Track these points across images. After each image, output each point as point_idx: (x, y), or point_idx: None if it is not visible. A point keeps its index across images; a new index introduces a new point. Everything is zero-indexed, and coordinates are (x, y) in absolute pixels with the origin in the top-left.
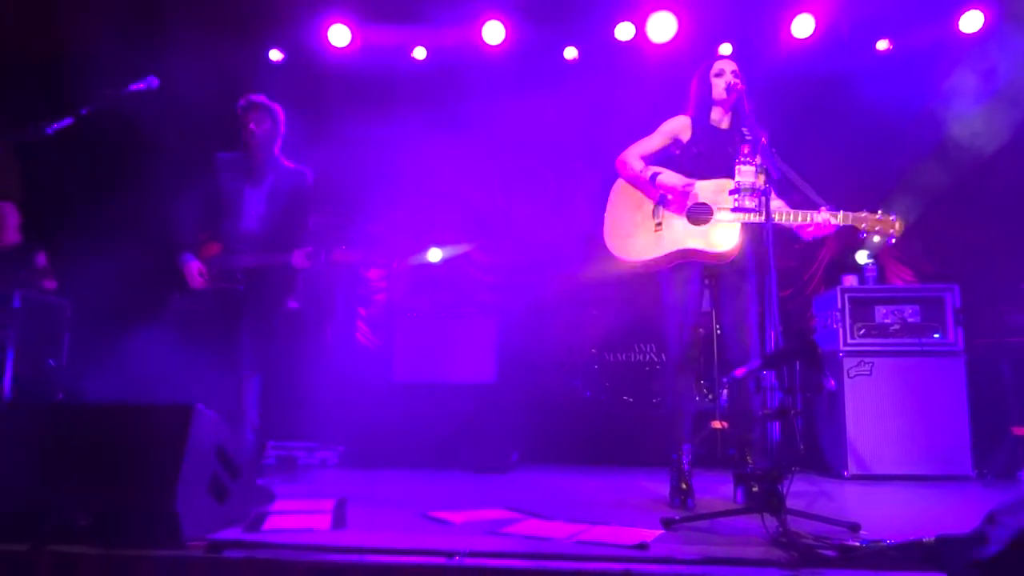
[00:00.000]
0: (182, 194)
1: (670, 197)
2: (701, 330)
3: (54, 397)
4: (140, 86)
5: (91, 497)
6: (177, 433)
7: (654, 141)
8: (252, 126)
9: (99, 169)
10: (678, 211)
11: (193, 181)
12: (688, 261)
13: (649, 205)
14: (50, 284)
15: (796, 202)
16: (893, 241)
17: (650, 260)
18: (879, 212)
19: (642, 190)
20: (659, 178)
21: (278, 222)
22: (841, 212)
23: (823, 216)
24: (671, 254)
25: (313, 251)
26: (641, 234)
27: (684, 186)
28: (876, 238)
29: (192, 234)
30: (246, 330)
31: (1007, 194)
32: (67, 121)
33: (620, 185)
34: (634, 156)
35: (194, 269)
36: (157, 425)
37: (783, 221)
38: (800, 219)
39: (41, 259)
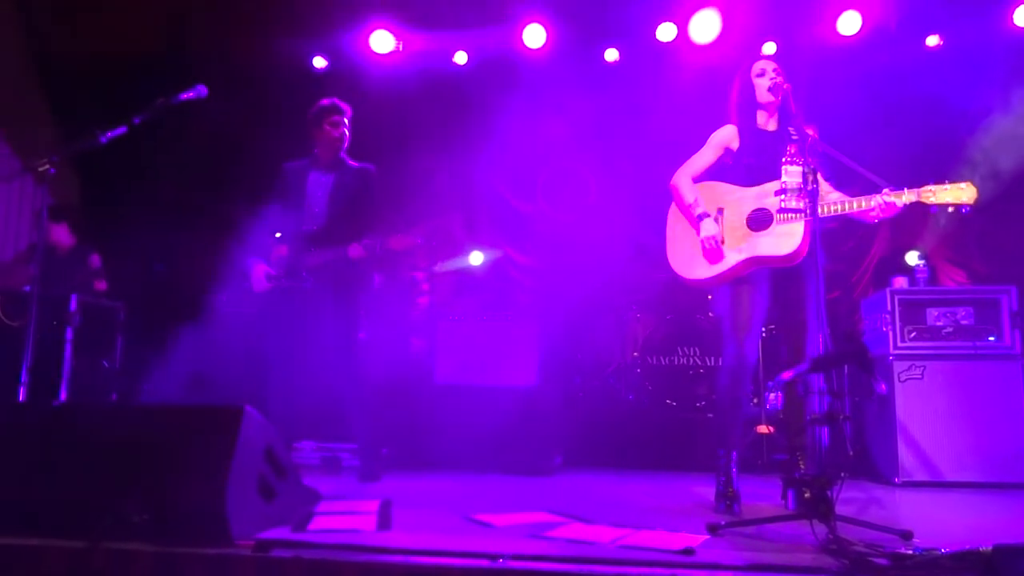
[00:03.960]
0: (253, 202)
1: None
2: (772, 327)
3: (109, 398)
4: (190, 95)
5: (144, 495)
6: (227, 434)
7: (705, 156)
8: (329, 128)
9: (154, 174)
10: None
11: (257, 189)
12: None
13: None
14: (100, 285)
15: (859, 191)
16: (967, 211)
17: (720, 275)
18: (947, 182)
19: (691, 224)
20: (702, 224)
21: (341, 218)
22: (905, 190)
23: (886, 198)
24: (741, 264)
25: (369, 241)
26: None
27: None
28: (950, 208)
29: (261, 239)
30: (329, 331)
31: None
32: (121, 130)
33: (675, 208)
34: (686, 181)
35: (259, 272)
36: (208, 426)
37: (844, 211)
38: (862, 205)
39: (95, 260)
